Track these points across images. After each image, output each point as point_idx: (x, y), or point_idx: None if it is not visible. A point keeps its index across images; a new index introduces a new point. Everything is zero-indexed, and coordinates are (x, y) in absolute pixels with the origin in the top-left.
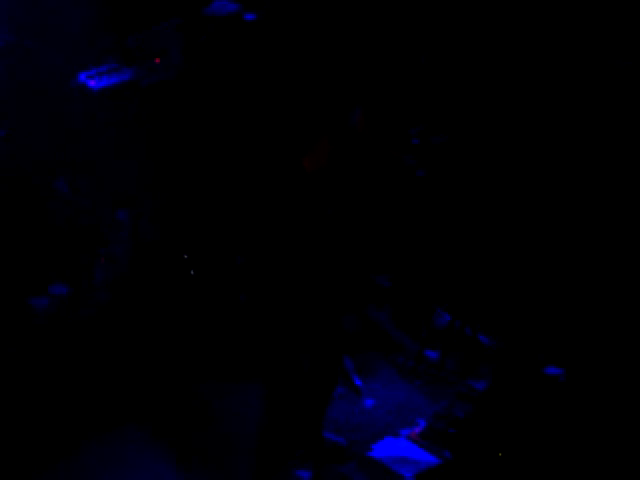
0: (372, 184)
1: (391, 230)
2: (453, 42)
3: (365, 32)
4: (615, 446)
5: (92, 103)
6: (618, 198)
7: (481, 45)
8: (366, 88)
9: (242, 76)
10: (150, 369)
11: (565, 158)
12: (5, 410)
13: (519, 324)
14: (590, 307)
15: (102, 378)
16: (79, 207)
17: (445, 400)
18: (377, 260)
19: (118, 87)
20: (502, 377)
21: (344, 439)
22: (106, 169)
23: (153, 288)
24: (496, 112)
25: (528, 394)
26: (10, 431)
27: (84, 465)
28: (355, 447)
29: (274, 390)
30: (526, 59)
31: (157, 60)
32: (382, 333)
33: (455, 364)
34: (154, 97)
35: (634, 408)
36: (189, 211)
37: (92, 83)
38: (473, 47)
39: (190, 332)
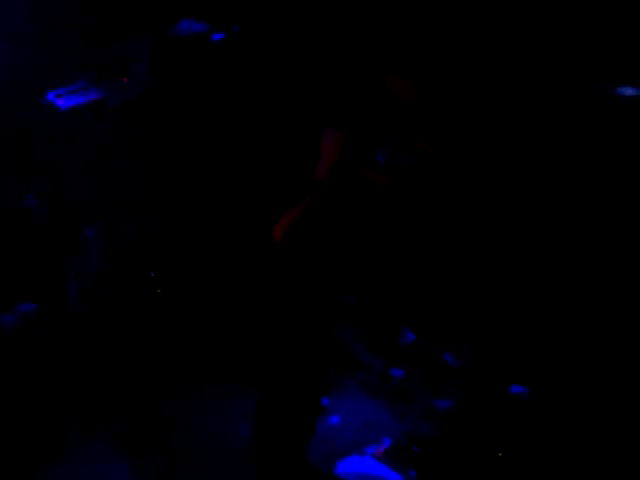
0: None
1: (358, 247)
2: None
3: (336, 53)
4: (577, 464)
5: (60, 122)
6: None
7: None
8: (337, 109)
9: (210, 96)
10: (124, 379)
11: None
12: None
13: (485, 342)
14: (555, 327)
15: (74, 390)
16: (47, 223)
17: (411, 419)
18: (344, 277)
19: (85, 106)
20: (467, 396)
21: (309, 456)
22: (75, 186)
23: (122, 303)
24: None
25: (493, 412)
26: None
27: None
28: (320, 465)
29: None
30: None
31: (125, 79)
32: (347, 350)
33: (420, 383)
34: (121, 116)
35: (598, 426)
36: (159, 230)
37: (60, 102)
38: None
39: (162, 346)
